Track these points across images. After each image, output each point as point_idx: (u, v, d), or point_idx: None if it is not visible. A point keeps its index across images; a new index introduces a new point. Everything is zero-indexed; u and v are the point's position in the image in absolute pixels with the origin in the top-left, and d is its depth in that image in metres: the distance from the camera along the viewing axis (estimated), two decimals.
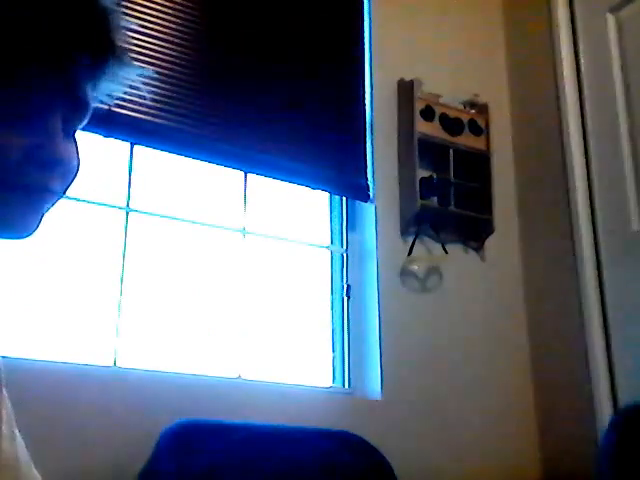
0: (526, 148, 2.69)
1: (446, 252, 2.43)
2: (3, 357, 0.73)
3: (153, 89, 1.99)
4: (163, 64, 2.07)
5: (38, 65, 0.62)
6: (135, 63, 0.72)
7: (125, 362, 1.91)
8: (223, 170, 2.21)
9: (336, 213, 2.44)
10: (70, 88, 0.66)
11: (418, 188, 2.36)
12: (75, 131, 0.71)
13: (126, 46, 0.69)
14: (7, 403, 0.73)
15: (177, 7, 2.14)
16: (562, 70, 2.56)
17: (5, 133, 0.62)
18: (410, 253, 2.37)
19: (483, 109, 2.57)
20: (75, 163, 0.70)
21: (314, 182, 2.32)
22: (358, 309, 2.33)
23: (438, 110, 2.46)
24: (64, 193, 0.70)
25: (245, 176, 2.26)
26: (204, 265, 2.16)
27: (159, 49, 2.07)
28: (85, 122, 0.71)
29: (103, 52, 0.67)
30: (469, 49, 2.74)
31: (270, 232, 2.29)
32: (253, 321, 2.16)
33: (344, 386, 2.26)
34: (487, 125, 2.56)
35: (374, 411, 2.17)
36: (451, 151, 2.45)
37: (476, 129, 2.52)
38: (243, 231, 2.23)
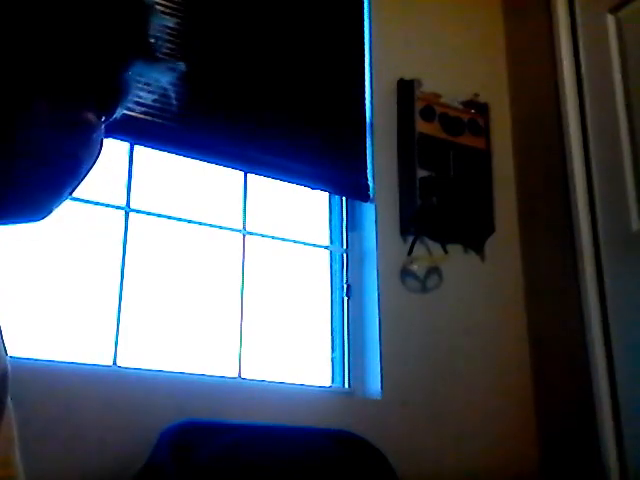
0: (526, 148, 2.69)
1: (446, 252, 2.43)
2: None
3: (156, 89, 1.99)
4: None
5: (83, 53, 0.68)
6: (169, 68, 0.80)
7: (125, 362, 1.91)
8: (223, 170, 2.21)
9: (336, 213, 2.44)
10: (106, 76, 0.71)
11: (418, 188, 2.36)
12: (105, 121, 0.74)
13: (162, 49, 0.77)
14: (10, 413, 0.72)
15: (175, 6, 2.14)
16: (562, 70, 2.56)
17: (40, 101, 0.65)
18: (410, 253, 2.37)
19: (483, 109, 2.57)
20: (96, 138, 0.72)
21: (314, 182, 2.32)
22: (358, 309, 2.33)
23: (438, 110, 2.46)
24: (82, 179, 0.72)
25: (245, 176, 2.26)
26: (204, 265, 2.16)
27: None
28: (115, 113, 0.74)
29: (141, 52, 0.74)
30: (469, 49, 2.74)
31: (270, 232, 2.29)
32: (253, 321, 2.16)
33: (344, 386, 2.26)
34: (487, 125, 2.56)
35: (374, 411, 2.17)
36: (451, 151, 2.45)
37: (476, 129, 2.52)
38: (243, 231, 2.23)
